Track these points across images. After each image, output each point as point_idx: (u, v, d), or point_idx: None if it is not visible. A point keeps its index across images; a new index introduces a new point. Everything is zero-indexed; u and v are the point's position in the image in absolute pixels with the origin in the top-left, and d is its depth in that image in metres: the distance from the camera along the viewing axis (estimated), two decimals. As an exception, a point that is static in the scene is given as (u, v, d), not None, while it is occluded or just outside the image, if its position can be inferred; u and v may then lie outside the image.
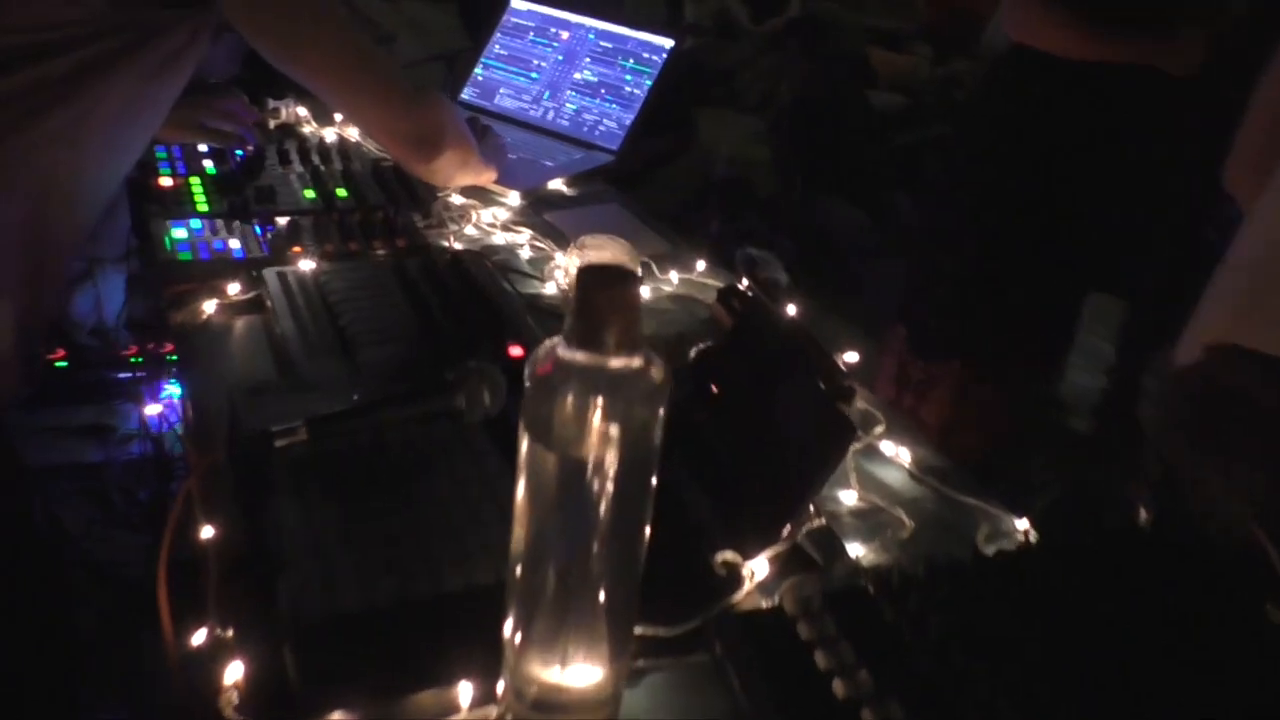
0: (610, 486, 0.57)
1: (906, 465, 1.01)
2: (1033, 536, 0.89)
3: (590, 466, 0.56)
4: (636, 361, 0.56)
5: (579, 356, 0.54)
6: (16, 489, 1.27)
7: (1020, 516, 0.93)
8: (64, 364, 2.39)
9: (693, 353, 1.10)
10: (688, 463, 0.90)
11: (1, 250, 1.06)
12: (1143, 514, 0.86)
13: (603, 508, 0.58)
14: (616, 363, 0.55)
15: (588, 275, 0.54)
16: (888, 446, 1.03)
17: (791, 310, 1.21)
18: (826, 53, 4.53)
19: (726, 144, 4.00)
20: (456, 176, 1.33)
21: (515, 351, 1.07)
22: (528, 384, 0.57)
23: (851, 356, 1.14)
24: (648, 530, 0.62)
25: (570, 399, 0.55)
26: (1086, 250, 1.55)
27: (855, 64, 4.34)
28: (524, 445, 0.58)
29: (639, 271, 1.29)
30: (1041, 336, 1.63)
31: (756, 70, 4.86)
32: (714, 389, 1.01)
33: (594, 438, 0.55)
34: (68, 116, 1.04)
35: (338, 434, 0.87)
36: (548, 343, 0.56)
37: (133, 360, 2.36)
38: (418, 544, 0.77)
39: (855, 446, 1.01)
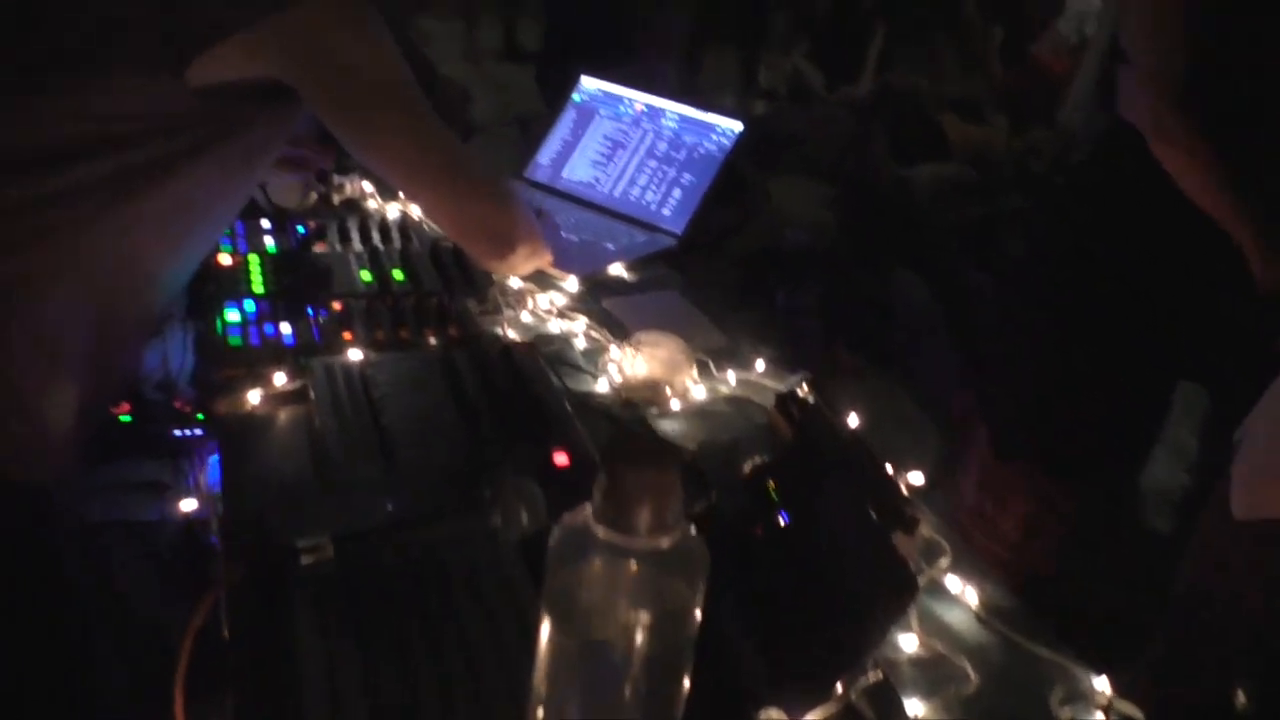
0: (640, 673, 0.52)
1: (974, 606, 0.93)
2: (1117, 707, 0.81)
3: (618, 652, 0.51)
4: (671, 541, 0.51)
5: (607, 535, 0.49)
6: (57, 554, 1.25)
7: (1100, 674, 0.85)
8: (128, 418, 2.41)
9: (748, 467, 1.04)
10: (733, 595, 0.84)
11: (73, 332, 1.06)
12: (1241, 697, 0.78)
13: (628, 691, 0.53)
14: (649, 543, 0.50)
15: (619, 453, 0.49)
16: (953, 582, 0.96)
17: (854, 420, 1.15)
18: (900, 121, 4.49)
19: (796, 211, 3.96)
20: (522, 268, 1.30)
21: (560, 460, 1.02)
22: (550, 558, 0.52)
23: (916, 477, 1.07)
24: (681, 705, 0.57)
25: (596, 580, 0.50)
26: (1179, 340, 1.45)
27: (929, 133, 4.28)
28: (545, 625, 0.52)
29: (692, 366, 1.24)
30: (1129, 433, 1.54)
31: (828, 137, 4.84)
32: (768, 513, 0.95)
33: (622, 623, 0.50)
34: (148, 204, 1.04)
35: (365, 552, 0.83)
36: (574, 516, 0.52)
37: (197, 417, 2.38)
38: (440, 694, 0.72)
39: (919, 583, 0.93)
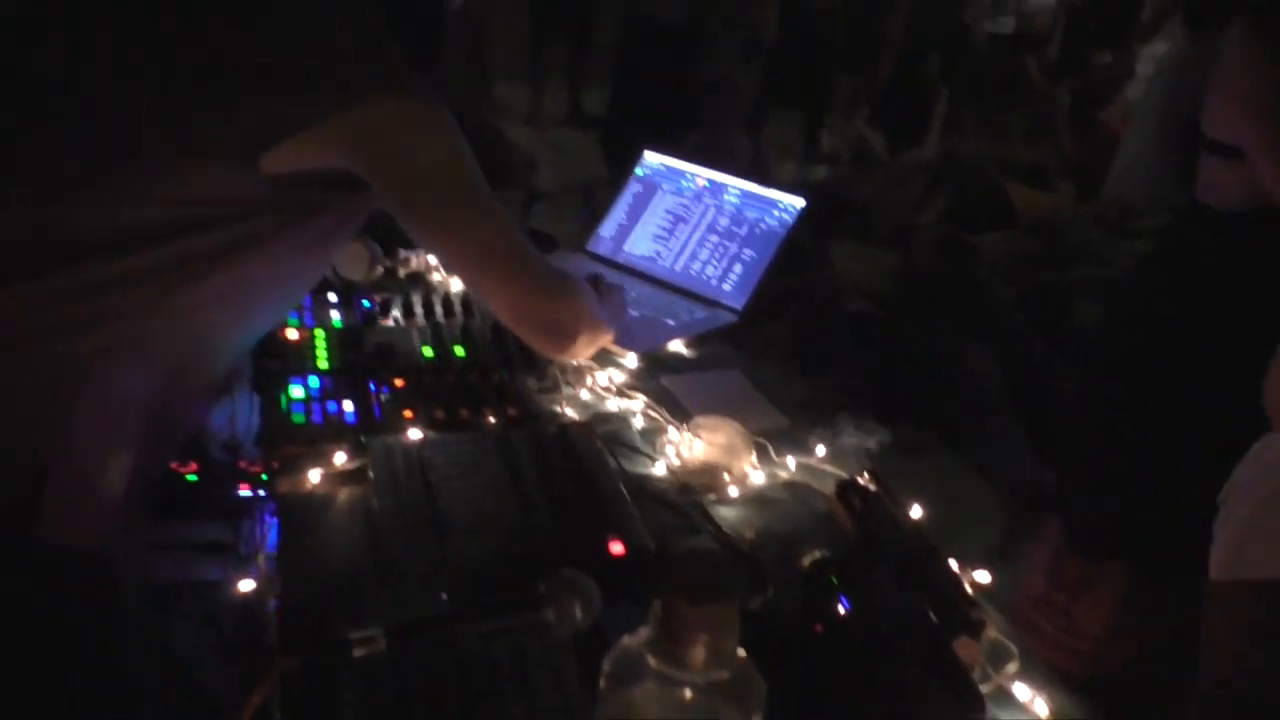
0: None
1: (1044, 718, 0.89)
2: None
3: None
4: (727, 673, 0.49)
5: (661, 668, 0.48)
6: (116, 616, 1.27)
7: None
8: (194, 478, 2.46)
9: (807, 561, 1.02)
10: (786, 698, 0.81)
11: (136, 401, 1.09)
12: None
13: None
14: (704, 677, 0.48)
15: (679, 587, 0.48)
16: (1022, 690, 0.92)
17: (916, 511, 1.12)
18: (965, 187, 4.45)
19: (857, 278, 3.94)
20: (582, 354, 1.30)
21: (616, 549, 1.01)
22: (604, 679, 0.51)
23: (983, 577, 1.03)
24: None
25: (650, 706, 0.49)
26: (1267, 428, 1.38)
27: (994, 200, 4.24)
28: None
29: (750, 451, 1.23)
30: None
31: (891, 203, 4.82)
32: (827, 611, 0.92)
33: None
34: (216, 287, 1.06)
35: (417, 645, 0.83)
36: (631, 640, 0.50)
37: (260, 478, 2.42)
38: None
39: (985, 689, 0.90)
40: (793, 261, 1.78)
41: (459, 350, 1.41)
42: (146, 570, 1.83)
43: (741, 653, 0.51)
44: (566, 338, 1.22)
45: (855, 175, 5.13)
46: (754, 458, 1.22)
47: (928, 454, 2.83)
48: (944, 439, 2.93)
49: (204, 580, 2.53)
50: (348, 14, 1.10)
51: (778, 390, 1.49)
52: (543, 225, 3.39)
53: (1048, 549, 1.50)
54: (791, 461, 1.25)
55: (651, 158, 1.89)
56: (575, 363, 1.44)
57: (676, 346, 1.56)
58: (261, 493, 2.47)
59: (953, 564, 1.02)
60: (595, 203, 3.56)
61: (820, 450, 1.27)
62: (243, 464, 2.54)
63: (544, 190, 3.72)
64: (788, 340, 3.40)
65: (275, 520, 1.17)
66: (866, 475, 1.18)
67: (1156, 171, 4.55)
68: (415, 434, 1.19)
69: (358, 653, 0.82)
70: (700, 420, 1.22)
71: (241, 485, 2.53)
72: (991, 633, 0.98)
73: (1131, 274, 1.75)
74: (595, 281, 1.47)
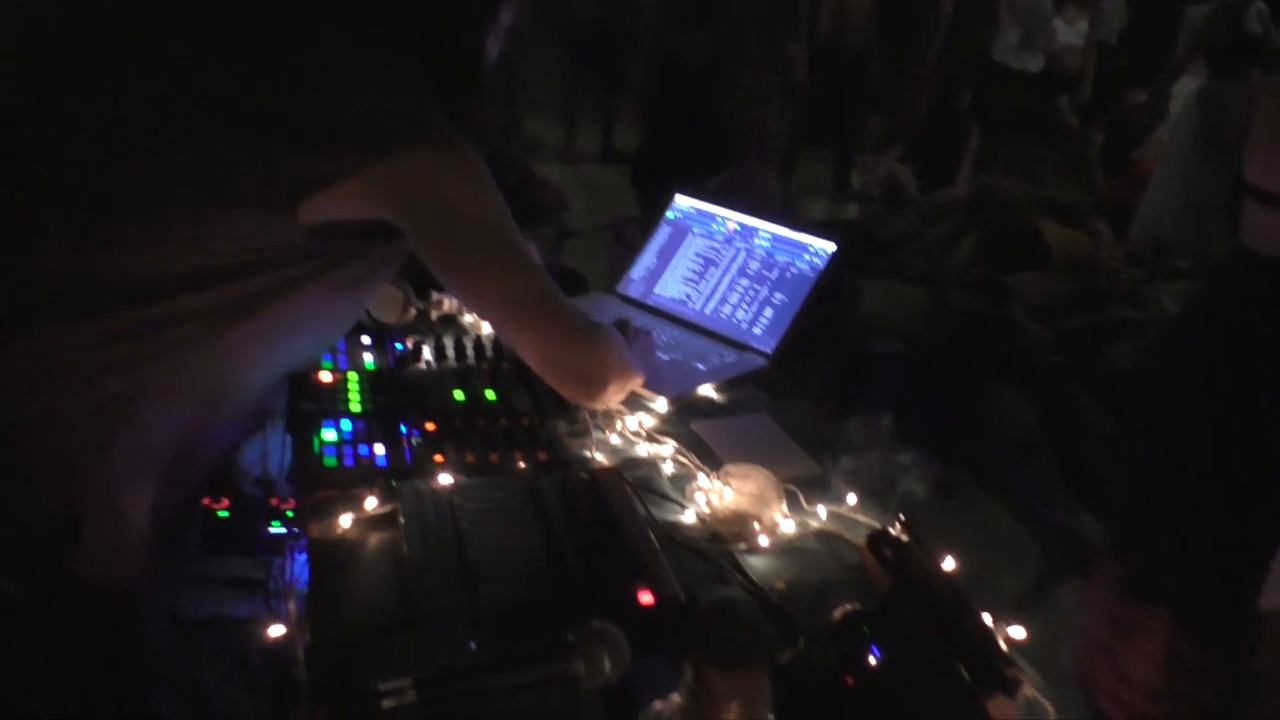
0: None
1: (1081, 781, 0.87)
2: None
3: None
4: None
5: (693, 737, 0.48)
6: (145, 649, 1.27)
7: None
8: (226, 514, 2.48)
9: (838, 613, 1.01)
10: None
11: (168, 438, 1.11)
12: None
13: None
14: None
15: (710, 653, 0.47)
16: (1058, 751, 0.90)
17: (949, 564, 1.11)
18: (997, 226, 4.43)
19: (888, 316, 3.92)
20: (612, 401, 1.31)
21: (645, 599, 1.00)
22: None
23: (1018, 632, 1.01)
24: None
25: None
26: None
27: (1027, 239, 4.21)
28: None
29: (781, 499, 1.22)
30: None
31: (923, 241, 4.81)
32: (857, 665, 0.91)
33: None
34: (254, 329, 1.08)
35: (446, 697, 0.82)
36: (659, 708, 0.50)
37: (288, 515, 2.43)
38: None
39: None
40: (823, 299, 1.78)
41: (490, 394, 1.41)
42: (176, 604, 1.84)
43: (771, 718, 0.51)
44: (595, 385, 1.23)
45: (886, 214, 5.12)
46: (784, 506, 1.22)
47: (959, 494, 2.80)
48: (976, 479, 2.89)
49: (233, 616, 2.55)
50: (384, 66, 1.12)
51: (807, 431, 1.49)
52: (574, 262, 3.41)
53: (1100, 589, 1.47)
54: (822, 510, 1.24)
55: (682, 201, 1.90)
56: (605, 407, 1.45)
57: (706, 391, 1.56)
58: (293, 530, 2.49)
59: (987, 619, 1.01)
60: (626, 240, 3.58)
61: (851, 499, 1.26)
62: (274, 501, 2.56)
63: (575, 227, 3.74)
64: (818, 378, 3.39)
65: (305, 558, 1.18)
66: (898, 525, 1.17)
67: (1188, 210, 4.51)
68: (446, 478, 1.19)
69: (387, 704, 0.82)
70: (730, 468, 1.22)
71: (273, 522, 2.55)
72: (1028, 691, 0.96)
73: (1176, 318, 1.72)
74: (624, 326, 1.47)
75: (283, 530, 2.43)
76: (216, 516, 2.55)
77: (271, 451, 2.75)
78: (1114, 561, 1.48)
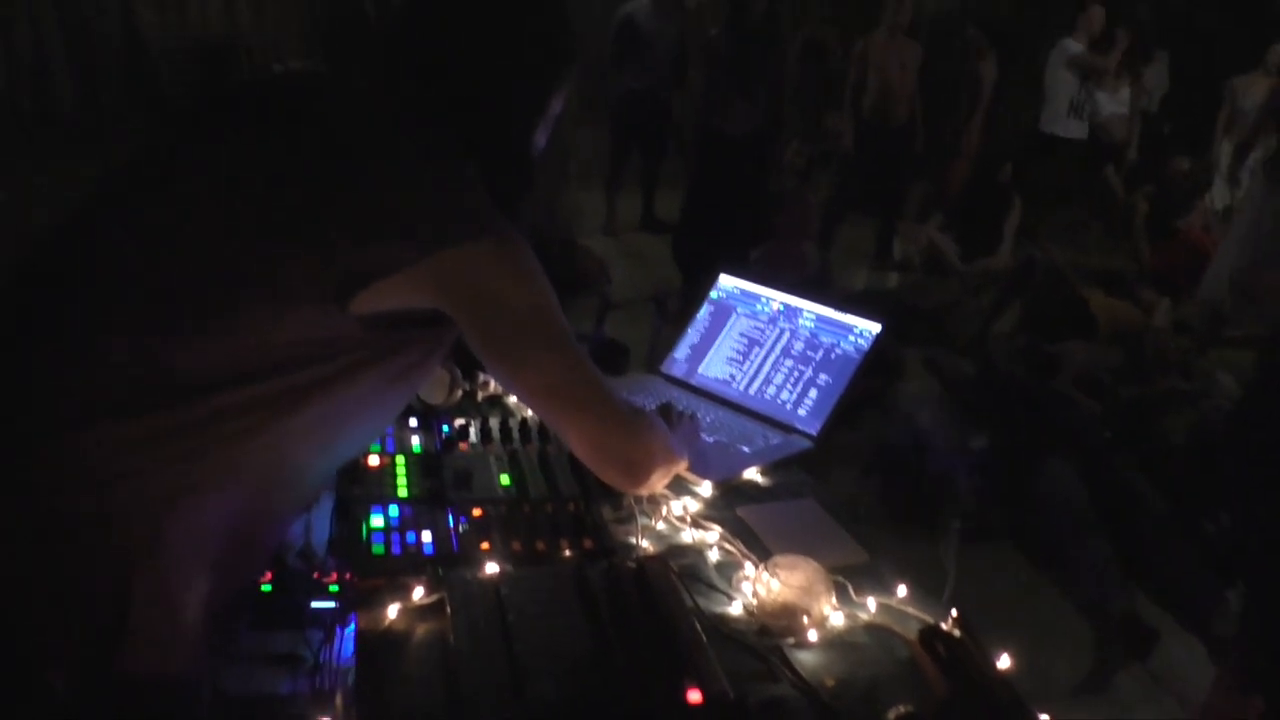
0: None
1: None
2: None
3: None
4: None
5: None
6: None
7: None
8: (269, 587, 2.48)
9: (891, 715, 0.99)
10: None
11: (222, 528, 1.12)
12: None
13: None
14: None
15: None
16: None
17: (1005, 662, 1.08)
18: (1042, 296, 4.40)
19: (931, 388, 3.88)
20: (656, 488, 1.31)
21: (694, 697, 0.99)
22: None
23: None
24: None
25: None
26: None
27: (1073, 309, 4.17)
28: None
29: (830, 592, 1.20)
30: None
31: (966, 311, 4.78)
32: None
33: None
34: (306, 420, 1.10)
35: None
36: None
37: (330, 589, 2.43)
38: None
39: None
40: (868, 373, 1.77)
41: (536, 478, 1.42)
42: (217, 681, 1.84)
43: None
44: (639, 472, 1.24)
45: (928, 283, 5.11)
46: (833, 598, 1.20)
47: (1009, 571, 2.74)
48: (1026, 555, 2.83)
49: (275, 695, 2.54)
50: (434, 158, 1.15)
51: (853, 509, 1.47)
52: (616, 332, 3.42)
53: (1225, 687, 1.42)
54: (872, 603, 1.22)
55: (726, 281, 1.91)
56: (650, 493, 1.44)
57: (751, 474, 1.55)
58: (335, 605, 2.48)
59: (1045, 721, 0.98)
60: (668, 311, 3.60)
61: (901, 590, 1.24)
62: (317, 574, 2.56)
63: (618, 298, 3.76)
64: (861, 451, 3.35)
65: (349, 634, 1.18)
66: (951, 620, 1.15)
67: (1258, 279, 4.43)
68: (492, 567, 1.19)
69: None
70: (779, 559, 1.21)
71: (316, 597, 2.55)
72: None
73: (1247, 392, 1.68)
74: (667, 411, 1.48)
75: (327, 605, 2.43)
76: (260, 591, 2.56)
77: (315, 524, 2.77)
78: (1239, 651, 1.42)
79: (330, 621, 2.31)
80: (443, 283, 1.10)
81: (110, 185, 1.19)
